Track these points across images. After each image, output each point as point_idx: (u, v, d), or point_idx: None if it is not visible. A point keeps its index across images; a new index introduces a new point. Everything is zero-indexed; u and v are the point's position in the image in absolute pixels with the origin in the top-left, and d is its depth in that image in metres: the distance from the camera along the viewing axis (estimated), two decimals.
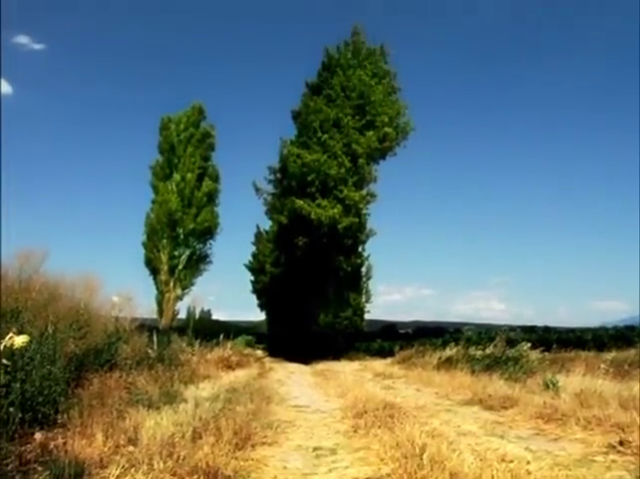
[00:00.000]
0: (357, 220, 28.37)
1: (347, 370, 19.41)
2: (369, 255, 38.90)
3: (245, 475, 4.58)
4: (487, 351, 14.98)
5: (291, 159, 28.49)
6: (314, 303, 32.35)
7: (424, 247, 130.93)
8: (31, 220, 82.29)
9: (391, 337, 35.99)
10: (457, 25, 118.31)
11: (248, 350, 28.16)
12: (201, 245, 35.68)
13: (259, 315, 50.69)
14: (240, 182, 54.93)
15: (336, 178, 27.53)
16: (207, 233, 35.47)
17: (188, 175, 34.35)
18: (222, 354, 18.53)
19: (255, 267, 46.34)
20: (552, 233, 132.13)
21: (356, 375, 16.84)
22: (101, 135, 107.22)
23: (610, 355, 13.94)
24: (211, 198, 35.65)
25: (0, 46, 58.36)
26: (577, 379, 10.11)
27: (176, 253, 34.62)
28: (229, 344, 21.03)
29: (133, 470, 4.23)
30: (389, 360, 23.31)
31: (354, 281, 34.98)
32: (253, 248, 47.84)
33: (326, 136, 28.06)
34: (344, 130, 28.18)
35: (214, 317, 68.72)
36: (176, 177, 34.43)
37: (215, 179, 36.36)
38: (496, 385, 10.74)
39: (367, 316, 44.08)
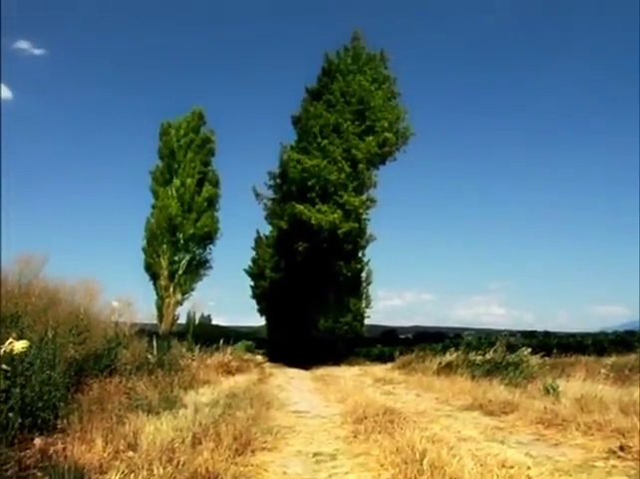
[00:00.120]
0: (357, 225, 28.38)
1: (347, 375, 19.38)
2: (369, 261, 39.00)
3: None
4: (488, 356, 14.96)
5: (291, 164, 28.52)
6: (314, 309, 32.35)
7: (424, 253, 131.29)
8: (31, 224, 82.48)
9: (391, 342, 36.04)
10: (457, 30, 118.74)
11: (248, 355, 28.15)
12: (201, 251, 35.75)
13: (259, 320, 50.81)
14: (240, 187, 55.05)
15: (336, 183, 27.56)
16: (207, 238, 35.51)
17: (188, 180, 34.40)
18: (222, 359, 18.51)
19: (255, 273, 46.36)
20: (552, 237, 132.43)
21: (356, 380, 16.81)
22: (101, 140, 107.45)
23: (610, 360, 13.94)
24: (211, 203, 35.72)
25: (0, 51, 58.45)
26: (578, 384, 10.09)
27: (176, 259, 34.66)
28: (229, 349, 21.02)
29: (132, 476, 4.22)
30: (389, 365, 23.29)
31: (354, 287, 34.97)
32: (253, 254, 47.94)
33: (326, 141, 28.10)
34: (344, 135, 28.22)
35: (214, 322, 68.76)
36: (176, 182, 34.49)
37: (215, 184, 36.43)
38: (497, 390, 10.71)
39: (367, 321, 44.14)
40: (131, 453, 4.95)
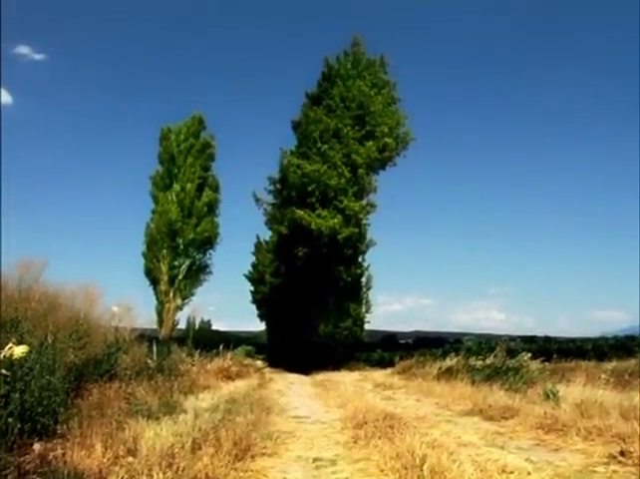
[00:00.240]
0: (357, 230, 28.39)
1: (347, 381, 19.34)
2: (369, 266, 38.94)
3: None
4: (488, 361, 14.94)
5: (291, 169, 28.56)
6: (314, 314, 32.33)
7: (424, 258, 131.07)
8: (31, 229, 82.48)
9: (391, 348, 36.01)
10: (457, 34, 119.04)
11: (248, 361, 28.11)
12: (201, 256, 35.78)
13: (259, 326, 50.74)
14: (240, 192, 55.20)
15: (336, 188, 27.58)
16: (207, 243, 35.54)
17: (188, 185, 34.46)
18: (222, 365, 18.49)
19: (255, 278, 46.36)
20: (552, 242, 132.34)
21: (356, 386, 16.78)
22: (101, 145, 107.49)
23: (611, 365, 13.93)
24: (211, 208, 35.77)
25: (0, 55, 58.60)
26: (578, 389, 10.08)
27: (176, 263, 34.69)
28: (229, 355, 20.99)
29: None
30: (389, 371, 23.25)
31: (354, 292, 34.96)
32: (253, 259, 47.97)
33: (326, 146, 28.14)
34: (344, 140, 28.27)
35: (214, 327, 68.78)
36: (176, 187, 34.54)
37: (215, 189, 36.48)
38: (497, 396, 10.70)
39: (367, 327, 44.08)
40: (130, 459, 4.93)
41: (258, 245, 47.13)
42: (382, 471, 4.97)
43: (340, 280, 30.78)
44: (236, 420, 7.22)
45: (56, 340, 6.95)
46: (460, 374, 14.82)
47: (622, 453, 5.44)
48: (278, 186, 32.00)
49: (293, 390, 15.87)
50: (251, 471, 5.03)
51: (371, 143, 28.18)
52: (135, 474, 4.38)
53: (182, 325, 35.29)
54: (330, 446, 6.42)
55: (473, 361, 15.85)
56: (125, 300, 11.89)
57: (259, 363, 32.01)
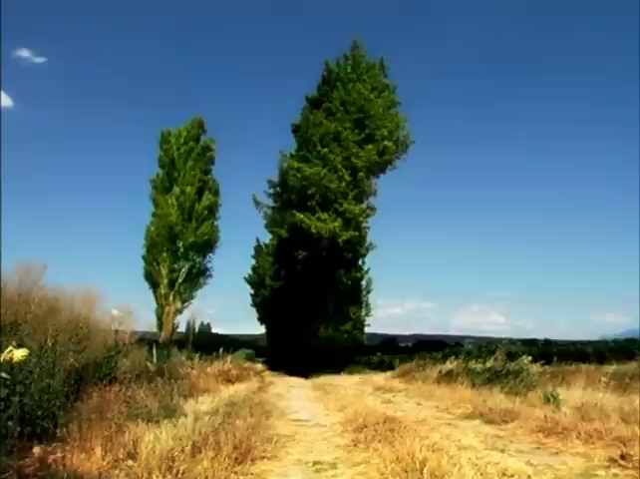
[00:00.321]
0: (357, 233, 28.42)
1: (347, 384, 19.34)
2: (369, 269, 38.96)
3: None
4: (488, 365, 14.94)
5: (291, 172, 28.59)
6: (314, 317, 32.31)
7: (424, 261, 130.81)
8: (30, 232, 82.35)
9: (391, 351, 35.97)
10: (457, 37, 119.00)
11: (248, 364, 28.08)
12: (201, 259, 35.80)
13: (259, 329, 50.67)
14: (240, 195, 55.16)
15: (336, 191, 27.61)
16: (207, 246, 35.59)
17: (188, 188, 34.49)
18: (222, 368, 18.49)
19: (255, 281, 46.36)
20: (552, 245, 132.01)
21: (356, 389, 16.78)
22: (101, 148, 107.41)
23: (611, 368, 13.91)
24: (211, 211, 35.82)
25: (0, 59, 58.70)
26: (578, 392, 10.08)
27: (176, 267, 34.71)
28: (229, 358, 20.99)
29: None
30: (389, 374, 23.25)
31: (354, 295, 34.99)
32: (253, 262, 47.93)
33: (326, 149, 28.17)
34: (344, 143, 28.30)
35: (214, 331, 68.75)
36: (176, 190, 34.58)
37: (215, 192, 36.53)
38: (497, 399, 10.70)
39: (367, 330, 44.13)
40: (130, 462, 4.93)
41: (258, 249, 47.13)
42: (382, 475, 4.97)
43: (340, 284, 30.82)
44: (236, 423, 7.21)
45: (56, 344, 6.95)
46: (460, 377, 14.82)
47: (623, 456, 5.44)
48: (278, 189, 32.06)
49: (293, 393, 15.86)
50: (251, 474, 5.03)
51: (371, 146, 28.20)
52: (134, 477, 4.37)
53: (182, 329, 35.38)
54: (330, 449, 6.41)
55: (473, 364, 15.86)
56: (124, 304, 11.89)
57: (259, 366, 31.96)
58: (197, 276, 35.63)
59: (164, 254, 34.31)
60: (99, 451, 5.01)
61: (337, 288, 31.03)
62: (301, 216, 27.45)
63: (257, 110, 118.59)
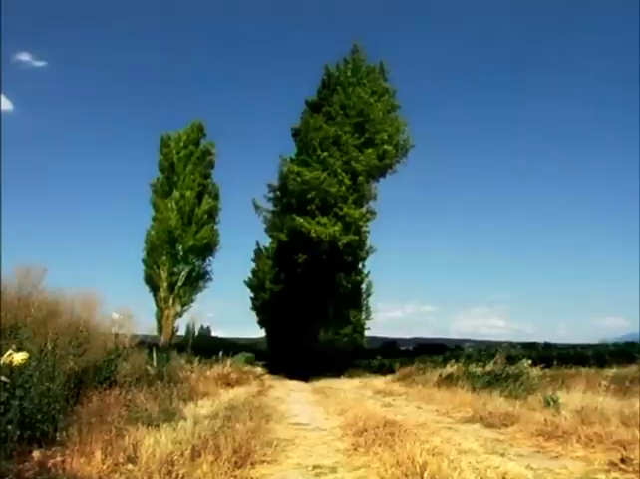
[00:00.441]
0: (357, 237, 28.42)
1: (347, 388, 19.32)
2: (369, 273, 38.95)
3: None
4: (488, 368, 14.93)
5: (291, 176, 28.60)
6: (314, 321, 32.30)
7: (424, 265, 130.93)
8: (30, 236, 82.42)
9: (391, 354, 35.88)
10: (457, 40, 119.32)
11: (248, 368, 28.03)
12: (201, 263, 35.79)
13: (259, 333, 50.64)
14: (240, 199, 55.20)
15: (336, 195, 27.62)
16: (207, 250, 35.57)
17: (188, 192, 34.50)
18: (222, 372, 18.47)
19: (255, 285, 46.34)
20: (552, 249, 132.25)
21: (356, 393, 16.76)
22: (101, 152, 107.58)
23: (611, 372, 13.87)
24: (211, 215, 35.82)
25: (1, 62, 58.76)
26: (578, 396, 10.06)
27: (176, 270, 34.68)
28: (229, 362, 20.96)
29: None
30: (389, 378, 23.20)
31: (354, 299, 34.99)
32: (253, 266, 47.93)
33: (326, 153, 28.19)
34: (344, 147, 28.32)
35: (214, 334, 68.79)
36: (176, 194, 34.59)
37: (215, 196, 36.54)
38: (497, 403, 10.68)
39: (367, 334, 44.08)
40: (130, 466, 4.92)
41: (258, 252, 47.14)
42: (382, 478, 4.96)
43: (340, 287, 30.81)
44: (236, 427, 7.20)
45: (55, 347, 6.94)
46: (460, 381, 14.80)
47: (623, 460, 5.43)
48: (278, 193, 32.06)
49: (293, 397, 15.83)
50: (251, 478, 5.02)
51: (371, 150, 28.23)
52: None
53: (182, 332, 35.32)
54: (330, 453, 6.40)
55: (473, 368, 15.84)
56: (124, 307, 11.87)
57: (259, 370, 31.91)
58: (197, 280, 35.61)
59: (164, 258, 34.30)
60: (98, 455, 5.00)
61: (337, 292, 31.02)
62: (301, 219, 27.46)
63: (257, 114, 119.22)
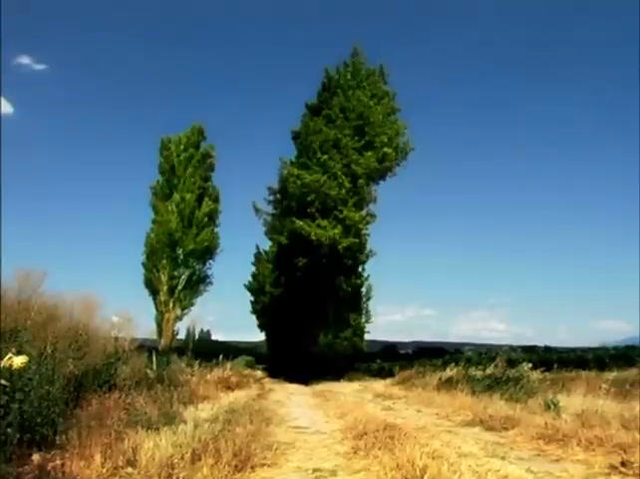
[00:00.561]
0: (357, 240, 28.40)
1: (347, 391, 19.31)
2: (369, 276, 38.96)
3: None
4: (488, 372, 14.92)
5: (291, 179, 28.59)
6: (314, 324, 32.29)
7: (424, 268, 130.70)
8: (30, 239, 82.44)
9: (391, 358, 35.85)
10: (457, 44, 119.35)
11: (248, 371, 28.01)
12: (201, 266, 35.77)
13: (259, 336, 50.60)
14: (240, 202, 55.26)
15: (336, 198, 27.61)
16: (207, 253, 35.57)
17: (188, 195, 34.51)
18: (222, 375, 18.46)
19: (255, 288, 46.29)
20: (552, 252, 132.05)
21: (356, 396, 16.76)
22: (101, 155, 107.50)
23: (611, 375, 13.89)
24: (211, 218, 35.82)
25: (1, 66, 58.86)
26: (578, 399, 10.06)
27: (176, 274, 34.67)
28: (229, 365, 20.96)
29: None
30: (389, 381, 23.20)
31: (354, 302, 34.97)
32: (253, 269, 47.87)
33: (326, 156, 28.18)
34: (344, 150, 28.31)
35: (214, 338, 68.71)
36: (176, 197, 34.59)
37: (215, 199, 36.53)
38: (497, 406, 10.68)
39: (367, 337, 44.05)
40: (130, 469, 4.92)
41: (258, 256, 47.08)
42: None
43: (340, 291, 30.79)
44: (236, 431, 7.19)
45: (55, 351, 6.94)
46: (460, 384, 14.79)
47: (623, 463, 5.43)
48: (278, 196, 32.07)
49: (293, 401, 15.82)
50: None
51: (370, 153, 28.22)
52: None
53: (182, 336, 35.31)
54: (330, 457, 6.40)
55: (473, 371, 15.83)
56: (124, 311, 11.88)
57: (259, 373, 31.86)
58: (197, 283, 35.59)
59: (164, 261, 34.29)
60: (98, 458, 5.00)
61: (337, 295, 31.00)
62: (301, 222, 27.46)
63: (257, 117, 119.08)
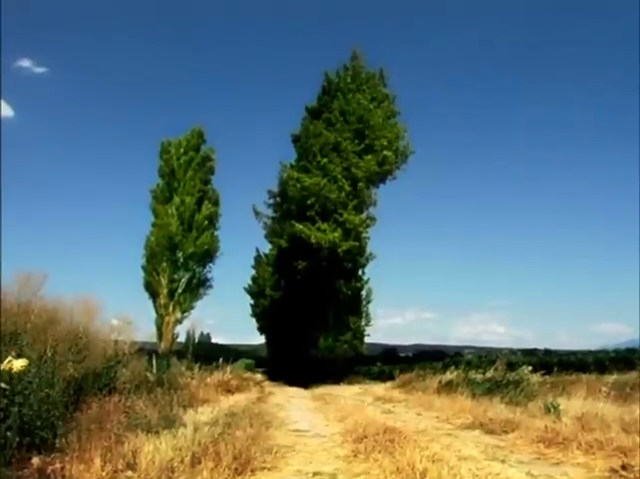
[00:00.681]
0: (357, 243, 28.41)
1: (347, 394, 19.29)
2: (369, 279, 38.88)
3: None
4: (488, 375, 14.92)
5: (291, 182, 28.62)
6: (314, 327, 32.24)
7: (424, 271, 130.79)
8: (30, 242, 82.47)
9: (391, 361, 35.81)
10: (457, 47, 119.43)
11: (248, 374, 28.01)
12: (201, 269, 35.73)
13: (259, 339, 50.54)
14: (240, 205, 55.29)
15: (336, 201, 27.63)
16: (207, 256, 35.53)
17: (188, 198, 34.50)
18: (222, 378, 18.45)
19: (255, 291, 46.26)
20: (552, 255, 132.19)
21: (356, 399, 16.73)
22: (101, 158, 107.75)
23: (611, 378, 13.87)
24: (211, 221, 35.80)
25: (1, 69, 58.91)
26: (578, 403, 10.06)
27: (176, 277, 34.63)
28: (229, 368, 20.94)
29: None
30: (389, 384, 23.15)
31: (354, 305, 34.89)
32: (253, 272, 47.84)
33: (326, 159, 28.21)
34: (344, 154, 28.35)
35: (214, 341, 68.74)
36: (176, 200, 34.58)
37: (215, 202, 36.52)
38: (497, 409, 10.67)
39: (367, 340, 43.75)
40: (130, 473, 4.91)
41: (258, 259, 47.06)
42: None
43: (340, 294, 30.77)
44: (236, 434, 7.18)
45: (55, 354, 6.94)
46: (460, 388, 14.77)
47: (623, 467, 5.42)
48: (278, 199, 32.12)
49: (293, 404, 15.80)
50: None
51: (370, 156, 28.25)
52: None
53: (182, 339, 35.23)
54: (330, 460, 6.38)
55: (473, 375, 15.83)
56: (124, 314, 11.88)
57: (259, 377, 31.89)
58: (197, 287, 35.56)
59: (164, 264, 34.26)
60: (98, 462, 4.99)
61: (337, 299, 30.97)
62: (301, 226, 27.48)
63: (257, 120, 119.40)
